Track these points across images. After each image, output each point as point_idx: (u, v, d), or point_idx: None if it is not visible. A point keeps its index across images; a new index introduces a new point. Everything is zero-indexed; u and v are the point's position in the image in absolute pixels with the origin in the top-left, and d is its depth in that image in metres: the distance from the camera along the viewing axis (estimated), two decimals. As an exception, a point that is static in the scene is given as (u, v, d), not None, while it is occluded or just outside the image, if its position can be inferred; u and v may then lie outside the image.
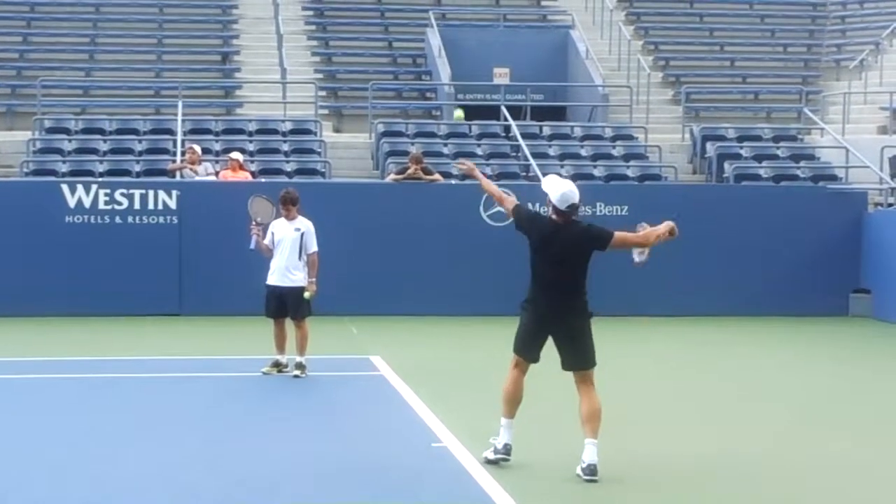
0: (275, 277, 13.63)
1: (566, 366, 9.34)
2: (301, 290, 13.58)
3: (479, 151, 23.20)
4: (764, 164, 22.94)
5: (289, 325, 13.73)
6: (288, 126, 23.93)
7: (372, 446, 10.21)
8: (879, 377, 14.90)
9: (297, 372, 13.54)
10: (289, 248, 13.55)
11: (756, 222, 20.11)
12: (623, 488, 8.91)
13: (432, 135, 23.94)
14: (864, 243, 19.94)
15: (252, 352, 14.76)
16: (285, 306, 13.64)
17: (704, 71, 29.28)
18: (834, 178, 22.44)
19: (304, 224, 13.69)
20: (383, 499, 8.53)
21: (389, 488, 8.81)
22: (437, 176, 20.29)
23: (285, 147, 22.90)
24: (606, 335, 17.49)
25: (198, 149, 20.90)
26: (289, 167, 21.83)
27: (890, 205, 21.08)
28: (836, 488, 9.09)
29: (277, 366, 13.77)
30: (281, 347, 13.79)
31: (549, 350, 9.56)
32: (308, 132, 23.74)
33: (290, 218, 13.60)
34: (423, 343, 16.75)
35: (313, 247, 13.66)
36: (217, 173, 20.65)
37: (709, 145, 23.69)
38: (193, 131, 23.25)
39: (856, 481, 9.33)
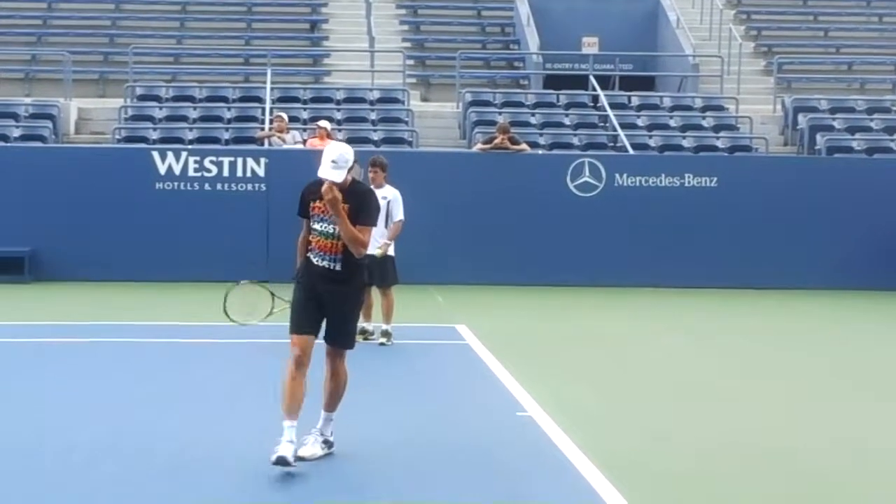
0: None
1: None
2: (388, 258, 13.62)
3: (566, 121, 23.09)
4: (857, 136, 22.57)
5: (375, 292, 13.76)
6: (375, 95, 23.96)
7: (457, 414, 10.24)
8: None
9: (382, 340, 13.60)
10: None
11: (849, 195, 19.78)
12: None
13: (520, 104, 23.85)
14: (958, 216, 19.58)
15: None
16: (372, 275, 13.67)
17: (797, 41, 28.79)
18: (929, 150, 22.04)
19: (391, 192, 13.70)
20: (469, 467, 8.54)
21: (474, 457, 8.81)
22: (523, 146, 20.21)
23: (373, 116, 22.95)
24: (695, 305, 17.46)
25: (285, 117, 21.01)
26: (376, 136, 21.87)
27: None
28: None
29: (363, 333, 13.82)
30: (367, 315, 13.84)
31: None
32: (395, 101, 23.75)
33: (377, 185, 13.56)
34: (508, 312, 16.73)
35: (399, 215, 13.67)
36: (305, 141, 20.75)
37: (801, 117, 23.35)
38: (281, 99, 23.39)
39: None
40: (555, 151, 21.27)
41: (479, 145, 20.24)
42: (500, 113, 22.78)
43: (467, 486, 8.11)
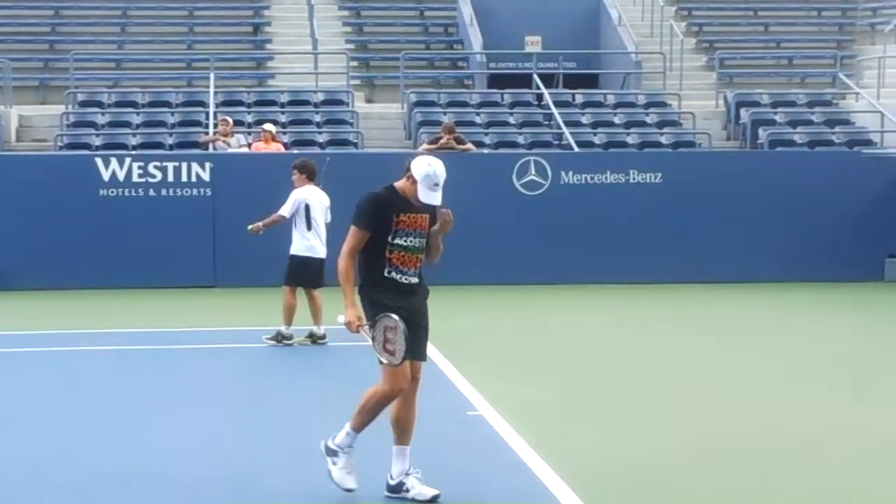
0: (318, 248, 13.72)
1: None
2: (319, 260, 13.69)
3: (511, 120, 23.14)
4: (798, 129, 22.79)
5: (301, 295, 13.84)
6: (320, 97, 23.92)
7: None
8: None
9: (308, 341, 13.68)
10: (321, 218, 13.71)
11: (791, 188, 19.95)
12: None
13: (464, 104, 23.88)
14: (900, 208, 19.81)
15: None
16: (302, 275, 13.79)
17: (738, 36, 29.04)
18: (869, 142, 22.28)
19: (309, 193, 13.86)
20: (419, 467, 8.54)
21: (425, 457, 8.81)
22: (469, 145, 20.25)
23: (317, 118, 22.90)
24: (643, 302, 17.56)
25: (230, 120, 20.93)
26: (321, 138, 21.83)
27: (926, 169, 20.88)
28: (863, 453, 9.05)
29: (312, 336, 13.81)
30: (289, 319, 13.83)
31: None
32: (340, 103, 23.72)
33: (297, 186, 13.74)
34: (456, 312, 16.71)
35: (283, 211, 13.78)
36: (250, 145, 20.68)
37: (743, 111, 23.54)
38: (225, 103, 23.29)
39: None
40: (500, 150, 21.32)
41: (425, 145, 20.24)
42: (444, 113, 22.81)
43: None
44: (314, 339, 13.76)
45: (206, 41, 27.12)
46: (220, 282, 18.98)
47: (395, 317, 7.51)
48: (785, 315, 16.83)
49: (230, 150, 20.31)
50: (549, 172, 19.56)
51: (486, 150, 21.01)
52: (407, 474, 7.81)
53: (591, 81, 26.90)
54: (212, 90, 23.10)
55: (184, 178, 19.27)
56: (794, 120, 23.25)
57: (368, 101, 25.82)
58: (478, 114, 23.29)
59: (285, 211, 13.72)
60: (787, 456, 8.94)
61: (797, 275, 19.51)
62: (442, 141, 19.90)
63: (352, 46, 27.18)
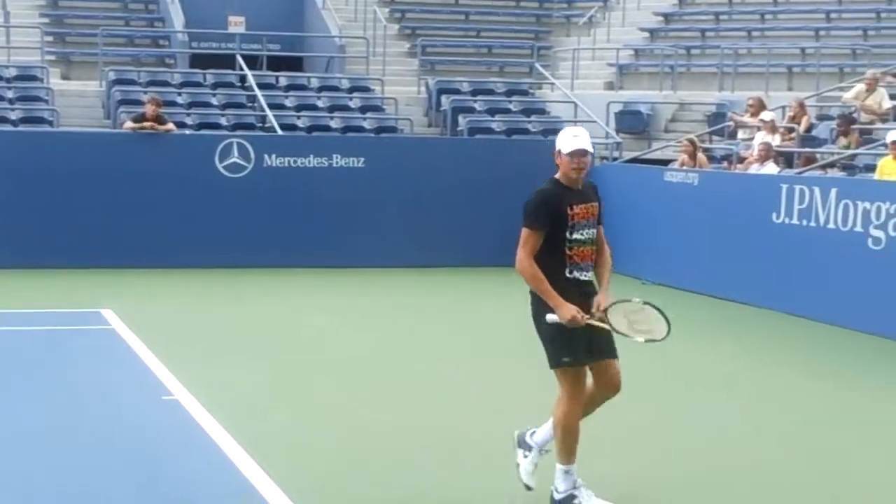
0: None
1: None
2: None
3: (214, 101, 22.86)
4: (497, 117, 23.40)
5: None
6: (12, 72, 22.96)
7: (101, 399, 10.05)
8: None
9: None
10: None
11: (491, 175, 20.43)
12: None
13: (166, 83, 23.43)
14: (591, 195, 20.59)
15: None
16: None
17: (440, 24, 29.62)
18: (563, 131, 23.09)
19: None
20: (114, 452, 8.40)
21: (118, 441, 8.68)
22: (170, 126, 19.85)
23: (10, 94, 21.99)
24: (346, 286, 17.70)
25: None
26: (13, 115, 20.98)
27: (615, 159, 21.85)
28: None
29: None
30: None
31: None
32: (34, 79, 22.86)
33: None
34: (156, 296, 16.45)
35: None
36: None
37: (444, 98, 24.00)
38: None
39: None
40: (202, 132, 21.03)
41: (129, 124, 19.67)
42: (145, 92, 22.27)
43: (110, 471, 7.99)
44: None
45: None
46: None
47: (637, 300, 7.10)
48: (489, 298, 17.24)
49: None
50: (253, 155, 19.43)
51: (187, 132, 20.69)
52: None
53: (295, 64, 26.90)
54: None
55: None
56: (492, 108, 23.86)
57: (65, 77, 25.01)
58: (179, 94, 22.89)
59: None
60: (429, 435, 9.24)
61: (494, 259, 19.91)
62: (148, 112, 19.31)
63: (46, 20, 26.26)
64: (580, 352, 7.08)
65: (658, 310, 7.07)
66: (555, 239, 7.15)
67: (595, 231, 7.26)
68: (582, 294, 7.16)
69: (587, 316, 7.03)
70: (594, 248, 7.25)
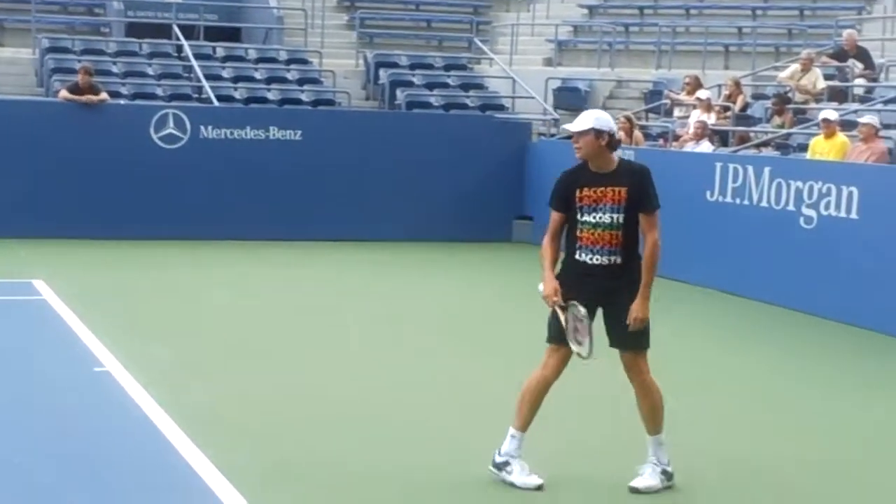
0: None
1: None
2: None
3: (150, 71, 22.64)
4: (435, 92, 23.37)
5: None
6: (-59, 39, 22.65)
7: (32, 371, 9.97)
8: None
9: None
10: None
11: (426, 150, 20.44)
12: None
13: (101, 52, 23.16)
14: (528, 172, 20.61)
15: None
16: None
17: (379, -3, 29.45)
18: (501, 107, 23.11)
19: None
20: (42, 424, 8.34)
21: (48, 413, 8.62)
22: (104, 95, 19.62)
23: (-60, 60, 21.69)
24: (278, 259, 17.64)
25: None
26: (-56, 82, 20.70)
27: (552, 135, 21.87)
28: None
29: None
30: None
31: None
32: (-35, 45, 22.55)
33: None
34: (89, 267, 16.30)
35: None
36: None
37: (382, 72, 23.93)
38: None
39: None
40: (138, 102, 20.82)
41: (63, 93, 19.39)
42: (79, 60, 21.94)
43: (38, 444, 7.93)
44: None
45: None
46: None
47: (583, 310, 7.09)
48: (418, 273, 17.27)
49: None
50: (189, 126, 19.27)
51: (122, 101, 20.47)
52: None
53: (232, 35, 26.68)
54: None
55: None
56: (431, 82, 23.82)
57: (-3, 44, 24.66)
58: (114, 63, 22.64)
59: None
60: (376, 405, 9.25)
61: (431, 234, 20.01)
62: (80, 82, 19.07)
63: (-22, -14, 25.83)
64: (553, 329, 7.27)
65: (590, 333, 7.11)
66: (571, 220, 7.29)
67: (620, 216, 7.17)
68: (583, 276, 7.25)
69: (561, 302, 7.17)
70: (619, 234, 7.19)
